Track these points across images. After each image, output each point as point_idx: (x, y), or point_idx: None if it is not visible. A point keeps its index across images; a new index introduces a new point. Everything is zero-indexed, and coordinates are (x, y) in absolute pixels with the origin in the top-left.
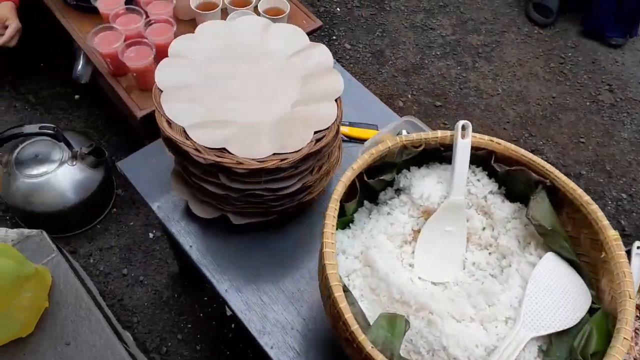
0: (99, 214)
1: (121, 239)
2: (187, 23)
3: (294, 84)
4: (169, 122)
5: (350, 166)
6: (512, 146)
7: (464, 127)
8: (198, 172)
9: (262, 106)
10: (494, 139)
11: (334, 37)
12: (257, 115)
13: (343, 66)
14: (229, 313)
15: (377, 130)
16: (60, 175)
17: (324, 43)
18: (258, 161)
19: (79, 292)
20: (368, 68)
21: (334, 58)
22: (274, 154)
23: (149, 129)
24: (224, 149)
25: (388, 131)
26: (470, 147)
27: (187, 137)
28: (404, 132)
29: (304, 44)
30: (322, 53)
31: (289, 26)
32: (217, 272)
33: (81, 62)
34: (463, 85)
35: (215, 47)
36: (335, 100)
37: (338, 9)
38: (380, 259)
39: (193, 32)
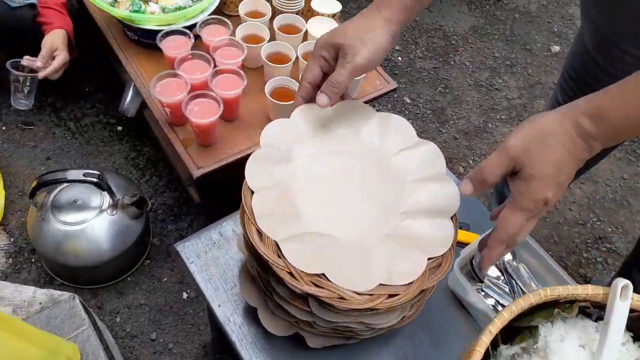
0: (132, 266)
1: (152, 296)
2: (254, 72)
3: (400, 191)
4: (260, 233)
5: (487, 329)
6: None
7: (624, 287)
8: (285, 294)
9: (364, 217)
10: None
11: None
12: (359, 228)
13: None
14: None
15: (469, 230)
16: (97, 226)
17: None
18: (360, 294)
19: None
20: (428, 126)
21: (393, 111)
22: (380, 284)
23: (201, 186)
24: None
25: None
26: (628, 311)
27: (280, 254)
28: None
29: (411, 141)
30: (432, 154)
31: (393, 117)
32: None
33: (129, 95)
34: None
35: (312, 138)
36: (451, 218)
37: (400, 58)
38: None
39: (263, 84)
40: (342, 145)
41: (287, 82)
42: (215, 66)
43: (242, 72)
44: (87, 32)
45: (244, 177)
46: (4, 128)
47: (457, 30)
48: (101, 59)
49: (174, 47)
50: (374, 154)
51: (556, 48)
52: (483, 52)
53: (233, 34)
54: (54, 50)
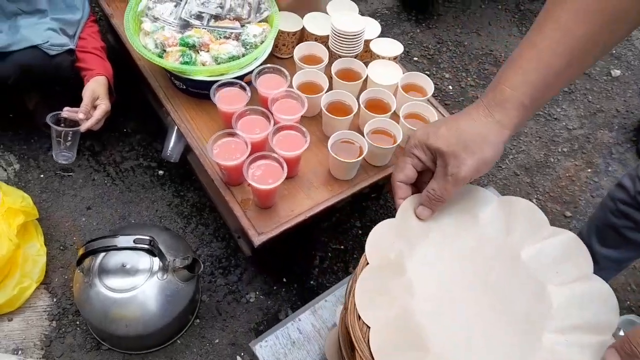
0: (182, 328)
1: None
2: (311, 120)
3: (541, 300)
4: None
5: None
6: None
7: None
8: None
9: (504, 339)
10: None
11: None
12: (501, 356)
13: None
14: None
15: None
16: (147, 292)
17: None
18: None
19: None
20: None
21: None
22: None
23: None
24: None
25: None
26: None
27: None
28: (621, 333)
29: (543, 231)
30: (572, 247)
31: (517, 201)
32: None
33: (172, 140)
34: (595, 193)
35: (424, 238)
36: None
37: (450, 87)
38: None
39: (321, 134)
40: (460, 245)
41: (349, 136)
42: (274, 122)
43: (303, 128)
44: (124, 71)
45: (300, 231)
46: (42, 176)
47: (508, 54)
48: (140, 100)
49: (228, 100)
50: (500, 251)
51: (617, 72)
52: None
53: (290, 83)
54: (95, 99)
